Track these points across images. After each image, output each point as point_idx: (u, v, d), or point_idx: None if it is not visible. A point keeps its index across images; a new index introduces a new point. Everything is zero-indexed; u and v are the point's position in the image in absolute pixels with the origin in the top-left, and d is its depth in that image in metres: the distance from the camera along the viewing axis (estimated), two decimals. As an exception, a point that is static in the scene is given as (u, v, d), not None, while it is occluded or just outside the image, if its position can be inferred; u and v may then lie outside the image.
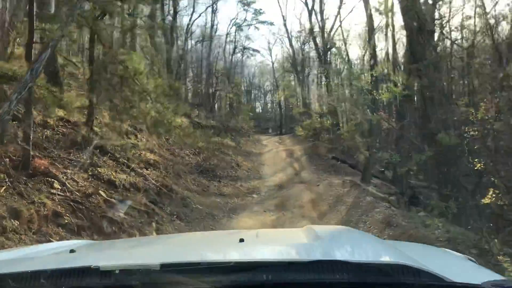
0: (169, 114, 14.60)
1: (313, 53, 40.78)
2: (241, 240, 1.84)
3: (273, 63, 51.57)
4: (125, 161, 10.78)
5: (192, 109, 26.33)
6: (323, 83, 38.86)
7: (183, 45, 31.06)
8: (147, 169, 11.80)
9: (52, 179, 7.51)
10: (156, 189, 10.57)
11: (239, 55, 42.86)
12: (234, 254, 1.74)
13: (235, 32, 40.45)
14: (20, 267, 1.53)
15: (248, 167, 22.67)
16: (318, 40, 34.00)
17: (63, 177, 7.94)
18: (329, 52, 35.48)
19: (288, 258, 1.53)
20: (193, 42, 33.59)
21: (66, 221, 6.80)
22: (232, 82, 33.73)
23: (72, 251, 1.87)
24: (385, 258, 1.57)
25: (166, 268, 1.33)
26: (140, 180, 10.42)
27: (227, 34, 39.38)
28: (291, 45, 41.50)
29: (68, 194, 7.47)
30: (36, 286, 1.28)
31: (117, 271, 1.31)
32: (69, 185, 7.76)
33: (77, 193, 7.70)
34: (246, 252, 1.78)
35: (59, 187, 7.52)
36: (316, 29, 33.20)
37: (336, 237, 2.15)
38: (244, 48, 40.93)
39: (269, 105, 58.68)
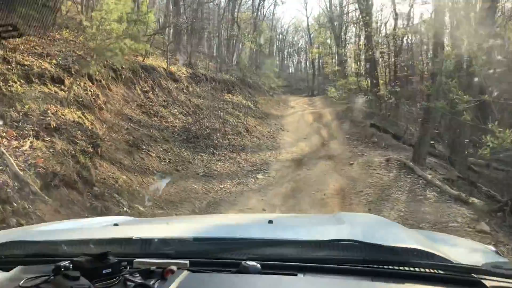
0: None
1: (352, 7, 33.72)
2: (270, 222, 1.86)
3: (307, 18, 44.69)
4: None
5: (200, 59, 20.25)
6: (362, 40, 32.14)
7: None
8: (40, 139, 5.91)
9: None
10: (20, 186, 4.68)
11: (270, 6, 35.96)
12: (261, 233, 1.66)
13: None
14: (73, 236, 1.61)
15: (262, 133, 16.59)
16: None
17: None
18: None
19: (309, 237, 1.53)
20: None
21: None
22: (258, 32, 27.02)
23: (115, 224, 1.94)
24: (401, 242, 1.46)
25: (198, 240, 1.39)
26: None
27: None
28: (328, -5, 34.35)
29: None
30: (86, 251, 1.23)
31: (155, 240, 1.35)
32: None
33: None
34: (272, 232, 1.71)
35: None
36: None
37: (360, 222, 2.12)
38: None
39: (302, 64, 51.56)
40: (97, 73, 9.92)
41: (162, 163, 9.24)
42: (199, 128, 12.78)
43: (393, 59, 23.63)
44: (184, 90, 14.87)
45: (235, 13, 27.26)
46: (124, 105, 10.76)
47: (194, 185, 9.01)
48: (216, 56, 22.26)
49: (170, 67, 15.22)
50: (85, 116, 7.82)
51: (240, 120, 16.05)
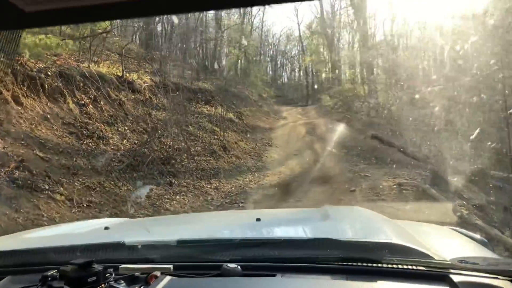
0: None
1: (344, 11, 30.99)
2: (258, 220, 1.79)
3: (299, 26, 41.93)
4: None
5: (175, 66, 17.06)
6: (356, 45, 29.24)
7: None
8: None
9: None
10: None
11: (259, 13, 32.76)
12: (244, 233, 1.68)
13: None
14: (61, 242, 1.53)
15: (244, 151, 13.32)
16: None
17: None
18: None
19: (291, 236, 1.56)
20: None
21: None
22: (244, 37, 23.64)
23: (106, 228, 1.85)
24: (380, 237, 1.51)
25: (182, 244, 1.35)
26: None
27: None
28: (320, 3, 31.58)
29: None
30: (72, 258, 1.15)
31: (139, 246, 1.33)
32: None
33: None
34: (255, 231, 1.72)
35: None
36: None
37: (344, 217, 2.07)
38: None
39: (295, 73, 48.35)
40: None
41: (73, 210, 5.95)
42: (154, 150, 9.48)
43: (392, 62, 20.29)
44: (145, 102, 11.63)
45: (220, 18, 24.13)
46: (40, 124, 7.50)
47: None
48: (193, 63, 19.06)
49: (128, 75, 11.98)
50: None
51: (216, 136, 12.77)
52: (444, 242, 1.69)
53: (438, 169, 9.40)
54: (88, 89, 9.69)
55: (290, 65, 50.71)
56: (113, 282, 1.11)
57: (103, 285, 1.09)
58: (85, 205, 6.17)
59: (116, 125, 9.59)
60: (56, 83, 8.73)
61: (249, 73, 22.93)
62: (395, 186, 9.09)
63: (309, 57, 35.83)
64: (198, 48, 20.43)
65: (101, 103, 9.79)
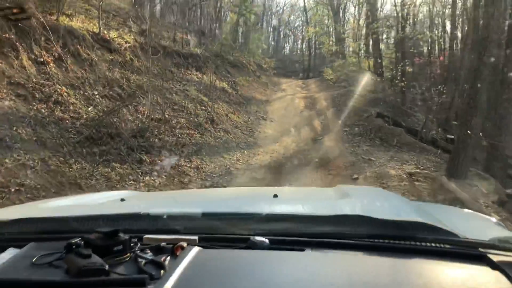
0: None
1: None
2: (275, 196, 1.72)
3: (304, -5, 39.66)
4: None
5: (168, 28, 15.29)
6: (362, 16, 27.34)
7: None
8: None
9: None
10: None
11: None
12: (268, 207, 1.54)
13: None
14: (82, 212, 1.46)
15: (235, 124, 11.77)
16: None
17: None
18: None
19: (315, 212, 1.44)
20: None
21: None
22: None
23: (122, 200, 1.82)
24: (406, 216, 1.37)
25: (207, 216, 1.30)
26: None
27: None
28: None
29: None
30: (96, 227, 1.08)
31: (164, 216, 1.27)
32: None
33: None
34: (278, 206, 1.64)
35: None
36: None
37: (363, 195, 1.99)
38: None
39: (298, 45, 46.08)
40: None
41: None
42: (126, 119, 7.94)
43: (400, 34, 18.29)
44: (124, 65, 9.99)
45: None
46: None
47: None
48: (187, 25, 17.21)
49: (106, 33, 10.28)
50: None
51: (204, 107, 11.18)
52: (471, 223, 1.65)
53: (464, 159, 7.89)
54: (52, 45, 8.06)
55: (293, 36, 48.68)
56: (139, 251, 1.04)
57: (129, 254, 1.02)
58: (12, 190, 4.68)
59: (82, 88, 7.99)
60: (7, 35, 7.09)
61: (249, 41, 21.01)
62: (404, 176, 7.61)
63: (313, 29, 33.82)
64: (193, 9, 18.51)
65: (68, 62, 8.17)
